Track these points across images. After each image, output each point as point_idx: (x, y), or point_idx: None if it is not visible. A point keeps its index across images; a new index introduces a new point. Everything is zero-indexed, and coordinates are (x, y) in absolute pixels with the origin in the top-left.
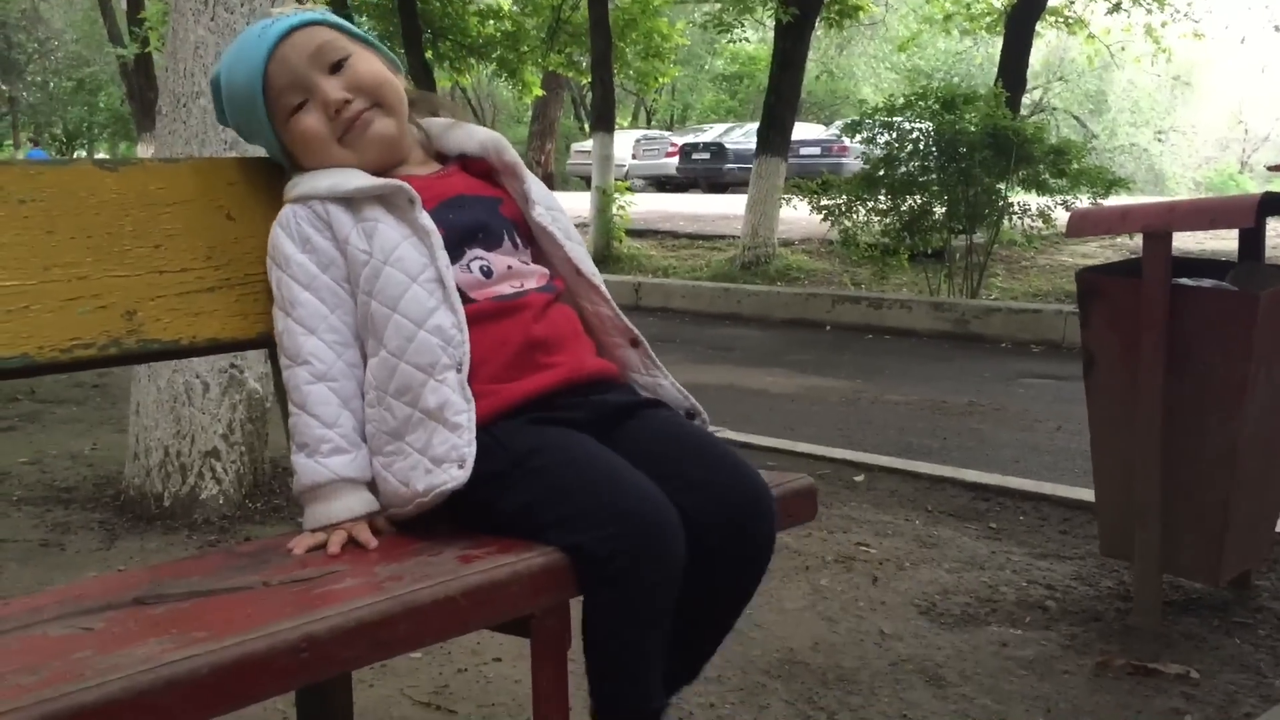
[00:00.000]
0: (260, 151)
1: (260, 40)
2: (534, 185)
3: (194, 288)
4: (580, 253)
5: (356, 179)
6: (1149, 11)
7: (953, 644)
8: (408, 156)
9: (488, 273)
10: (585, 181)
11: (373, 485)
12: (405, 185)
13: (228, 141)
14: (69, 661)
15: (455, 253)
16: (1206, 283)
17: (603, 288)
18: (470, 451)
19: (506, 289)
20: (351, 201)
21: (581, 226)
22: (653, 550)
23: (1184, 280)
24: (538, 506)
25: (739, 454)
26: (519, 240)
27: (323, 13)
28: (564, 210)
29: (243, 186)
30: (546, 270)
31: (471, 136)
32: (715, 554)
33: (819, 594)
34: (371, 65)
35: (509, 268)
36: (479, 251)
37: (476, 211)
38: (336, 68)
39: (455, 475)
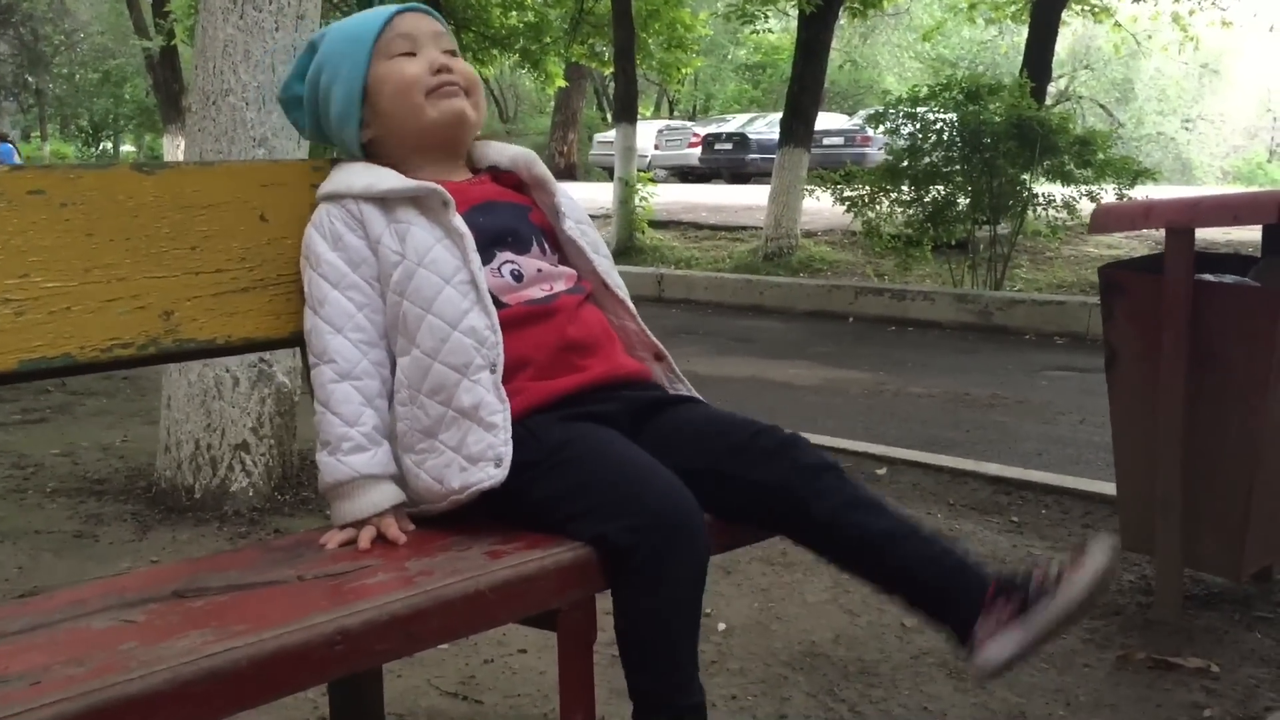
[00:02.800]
0: (289, 153)
1: (389, 7)
2: (564, 199)
3: (229, 288)
4: (607, 266)
5: (391, 179)
6: None
7: None
8: (459, 153)
9: (518, 277)
10: (608, 172)
11: (398, 479)
12: (439, 188)
13: (256, 139)
14: (115, 653)
15: (485, 255)
16: (1229, 278)
17: (629, 302)
18: (507, 451)
19: (537, 293)
20: (385, 202)
21: (604, 218)
22: (674, 541)
23: (1206, 276)
24: (564, 497)
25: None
26: (546, 246)
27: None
28: (593, 224)
29: (275, 189)
30: (574, 272)
31: (503, 152)
32: (797, 499)
33: (840, 587)
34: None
35: (538, 270)
36: (509, 255)
37: (506, 216)
38: (448, 54)
39: (492, 474)
